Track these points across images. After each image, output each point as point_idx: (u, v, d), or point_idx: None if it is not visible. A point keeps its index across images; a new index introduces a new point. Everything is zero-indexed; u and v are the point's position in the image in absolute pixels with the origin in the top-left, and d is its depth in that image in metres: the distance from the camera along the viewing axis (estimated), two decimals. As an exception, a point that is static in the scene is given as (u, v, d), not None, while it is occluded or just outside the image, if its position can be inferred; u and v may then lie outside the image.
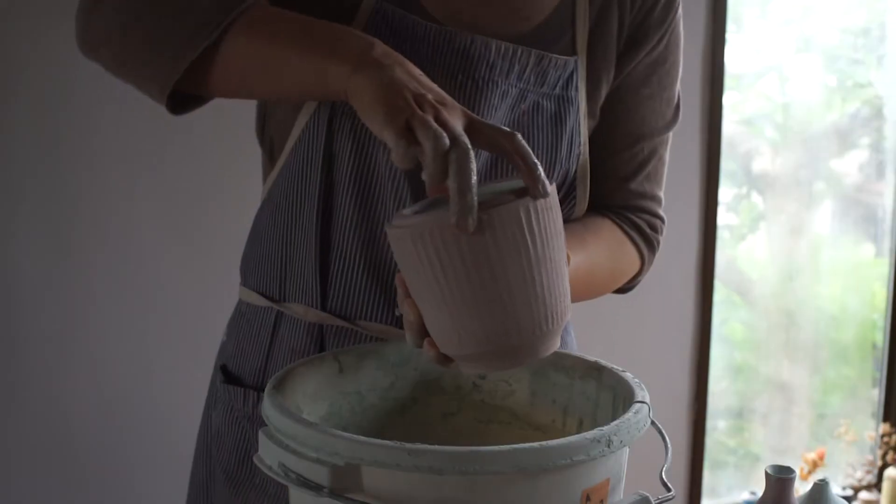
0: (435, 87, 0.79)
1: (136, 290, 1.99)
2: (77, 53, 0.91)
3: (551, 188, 0.76)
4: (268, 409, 0.75)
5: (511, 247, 0.73)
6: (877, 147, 3.04)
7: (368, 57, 0.79)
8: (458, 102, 0.93)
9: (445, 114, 0.75)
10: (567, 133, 1.00)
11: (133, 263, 1.98)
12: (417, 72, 0.80)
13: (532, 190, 0.74)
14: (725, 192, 2.85)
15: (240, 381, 1.05)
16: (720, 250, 2.71)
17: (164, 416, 2.02)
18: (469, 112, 0.78)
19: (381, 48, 0.80)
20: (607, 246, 1.06)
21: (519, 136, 0.76)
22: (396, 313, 0.98)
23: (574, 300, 0.91)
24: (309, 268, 0.99)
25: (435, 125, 0.73)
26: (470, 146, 0.73)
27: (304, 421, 0.72)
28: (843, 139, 3.01)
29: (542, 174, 0.74)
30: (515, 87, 0.97)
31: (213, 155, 1.99)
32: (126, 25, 0.86)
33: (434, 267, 0.73)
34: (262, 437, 0.73)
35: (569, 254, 0.89)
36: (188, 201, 2.01)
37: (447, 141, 0.72)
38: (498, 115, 0.97)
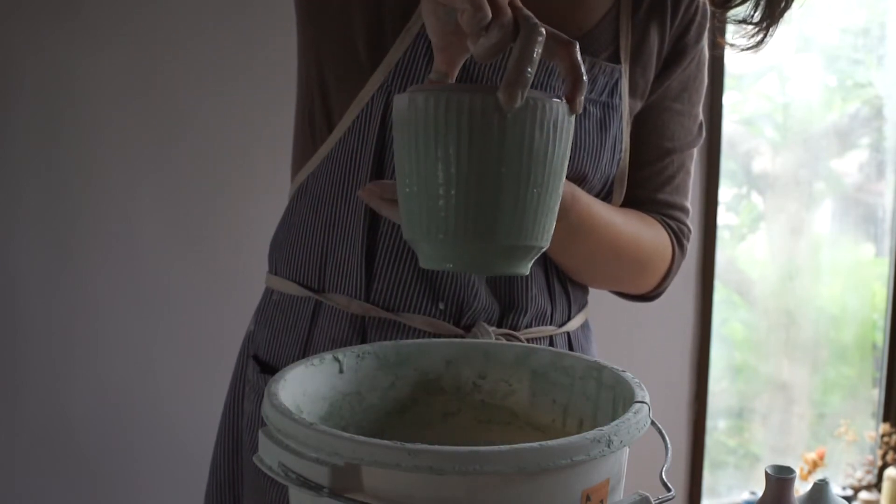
0: None
1: (138, 289, 1.99)
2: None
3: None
4: (268, 409, 0.75)
5: (538, 144, 0.69)
6: (877, 147, 3.04)
7: None
8: None
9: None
10: (610, 139, 1.03)
11: (134, 263, 1.98)
12: None
13: (571, 104, 0.71)
14: (725, 192, 2.85)
15: (275, 370, 1.04)
16: (720, 250, 2.71)
17: (166, 415, 2.02)
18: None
19: None
20: (638, 217, 1.08)
21: (577, 46, 0.71)
22: (440, 307, 1.00)
23: (601, 256, 1.01)
24: (354, 259, 0.99)
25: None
26: (541, 28, 0.68)
27: (304, 421, 0.72)
28: (843, 139, 3.01)
29: (584, 92, 0.71)
30: None
31: (215, 154, 1.99)
32: None
33: (448, 141, 0.68)
34: (261, 437, 0.73)
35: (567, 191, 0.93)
36: (189, 201, 2.01)
37: (511, 17, 0.68)
38: None
